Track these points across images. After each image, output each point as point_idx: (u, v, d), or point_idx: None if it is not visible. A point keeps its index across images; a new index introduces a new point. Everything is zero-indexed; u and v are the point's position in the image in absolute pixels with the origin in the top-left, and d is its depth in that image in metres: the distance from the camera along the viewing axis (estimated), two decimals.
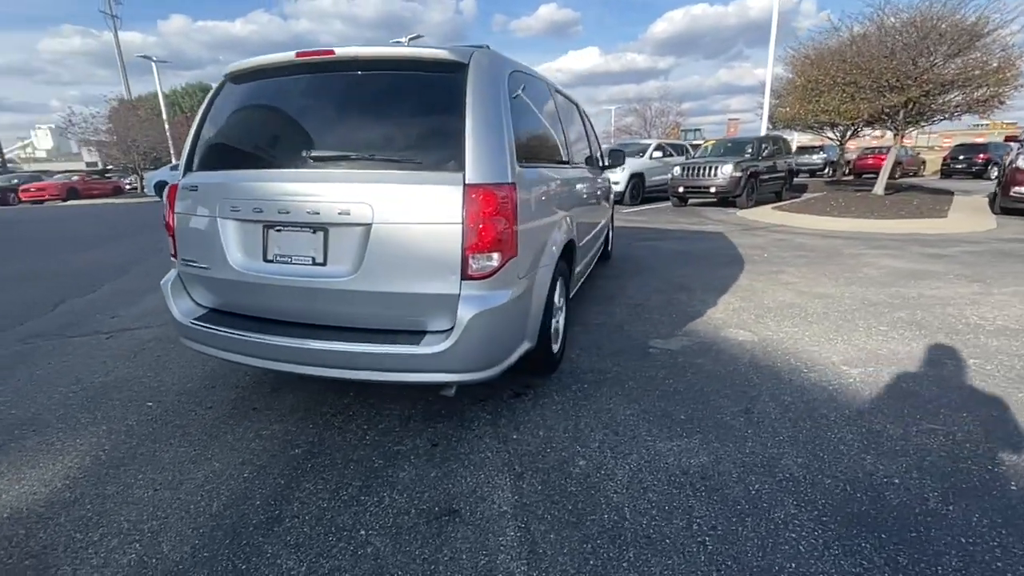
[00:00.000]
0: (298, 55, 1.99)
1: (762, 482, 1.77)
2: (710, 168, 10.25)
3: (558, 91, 3.12)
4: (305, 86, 2.06)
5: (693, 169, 10.56)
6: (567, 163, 2.88)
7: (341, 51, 1.94)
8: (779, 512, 1.62)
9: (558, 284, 2.63)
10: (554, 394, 2.45)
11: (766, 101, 15.16)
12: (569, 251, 2.82)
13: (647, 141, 13.93)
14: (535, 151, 2.41)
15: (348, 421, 2.22)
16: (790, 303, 3.85)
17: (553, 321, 2.63)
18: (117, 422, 2.25)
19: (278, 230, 1.95)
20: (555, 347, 2.69)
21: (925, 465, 1.85)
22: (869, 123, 12.06)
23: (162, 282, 2.25)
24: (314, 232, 1.90)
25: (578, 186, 3.10)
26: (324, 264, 1.90)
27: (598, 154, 4.57)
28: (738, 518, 1.60)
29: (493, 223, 1.81)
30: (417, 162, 1.86)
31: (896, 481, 1.76)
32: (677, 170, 10.94)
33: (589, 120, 4.54)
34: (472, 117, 1.83)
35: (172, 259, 2.25)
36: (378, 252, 1.82)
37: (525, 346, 2.20)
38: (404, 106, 1.96)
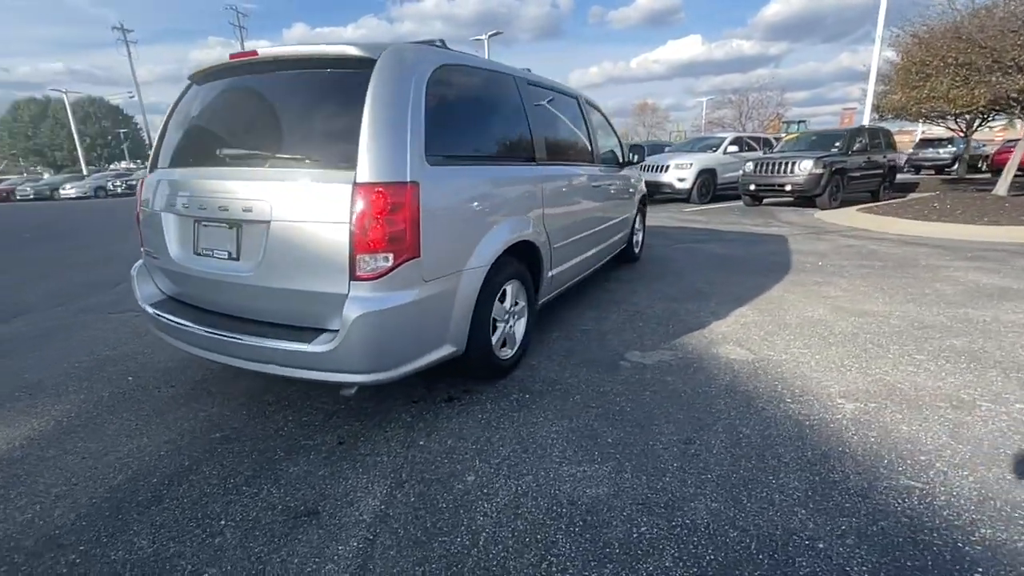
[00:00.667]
0: (231, 57, 2.08)
1: (652, 525, 1.55)
2: (786, 164, 9.26)
3: (537, 85, 2.96)
4: (237, 86, 2.14)
5: (767, 165, 9.61)
6: (537, 160, 2.73)
7: (264, 51, 1.99)
8: (649, 564, 1.41)
9: (509, 288, 2.52)
10: (488, 402, 2.35)
11: (870, 89, 13.33)
12: (530, 253, 2.68)
13: (723, 135, 12.93)
14: (476, 148, 2.32)
15: (279, 411, 2.30)
16: (817, 320, 3.36)
17: (503, 326, 2.53)
18: (95, 393, 2.52)
19: (204, 225, 2.05)
20: (506, 352, 2.59)
21: (871, 532, 1.51)
22: (987, 111, 10.16)
23: (132, 270, 2.48)
24: (230, 228, 1.97)
25: (556, 184, 2.93)
26: (237, 259, 1.97)
27: (615, 150, 4.30)
28: (597, 563, 1.41)
29: (384, 223, 1.75)
30: (315, 160, 1.86)
31: (820, 546, 1.45)
32: (749, 166, 10.01)
33: (604, 116, 4.29)
34: (369, 115, 1.78)
35: (141, 249, 2.47)
36: (276, 249, 1.85)
37: (447, 350, 2.13)
38: (312, 104, 1.96)
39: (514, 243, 2.46)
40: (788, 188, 9.24)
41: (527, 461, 1.89)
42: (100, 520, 1.62)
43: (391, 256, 1.79)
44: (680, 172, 11.12)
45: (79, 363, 2.89)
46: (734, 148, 11.82)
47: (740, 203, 10.85)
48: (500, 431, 2.10)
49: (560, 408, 2.29)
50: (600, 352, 2.92)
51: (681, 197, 11.36)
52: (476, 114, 2.38)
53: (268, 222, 1.84)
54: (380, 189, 1.75)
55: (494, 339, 2.45)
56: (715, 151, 11.83)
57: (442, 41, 2.46)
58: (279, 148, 1.93)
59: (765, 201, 10.76)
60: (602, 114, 4.29)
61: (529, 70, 3.36)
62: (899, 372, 2.58)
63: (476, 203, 2.18)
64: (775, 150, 11.03)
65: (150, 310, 2.27)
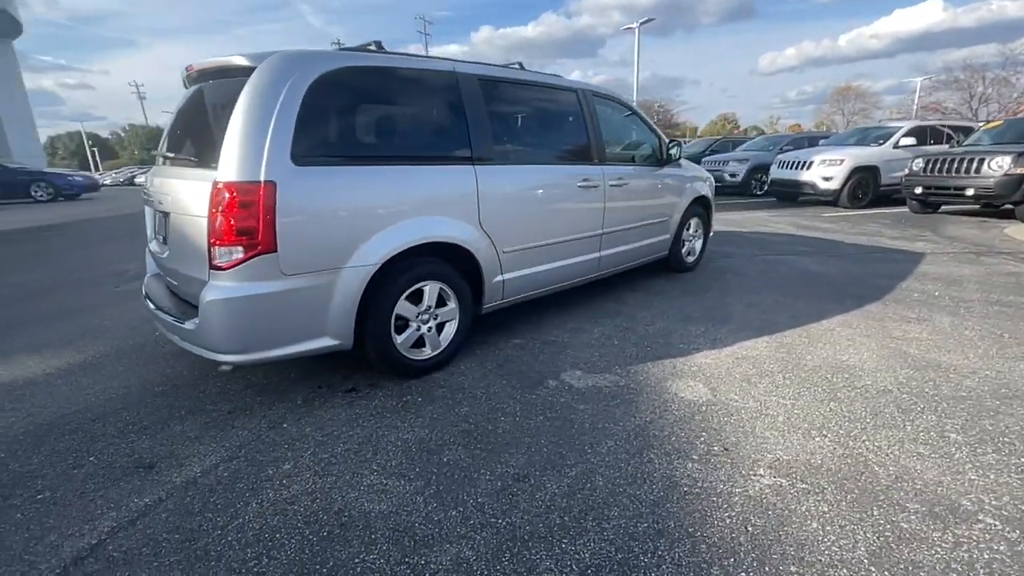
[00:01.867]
0: (186, 68, 2.43)
1: (386, 556, 1.44)
2: (971, 161, 7.08)
3: (495, 80, 2.80)
4: (185, 94, 2.49)
5: (944, 162, 7.48)
6: (476, 160, 2.61)
7: (196, 64, 2.29)
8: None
9: (427, 288, 2.50)
10: (380, 399, 2.38)
11: None
12: (460, 256, 2.60)
13: (897, 124, 10.41)
14: (372, 149, 2.33)
15: (221, 378, 2.64)
16: (848, 367, 2.62)
17: (416, 326, 2.52)
18: (88, 352, 3.12)
19: (157, 214, 2.47)
20: (424, 353, 2.58)
21: None
22: None
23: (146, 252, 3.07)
24: (164, 217, 2.34)
25: (506, 185, 2.77)
26: (166, 244, 2.33)
27: (652, 148, 3.85)
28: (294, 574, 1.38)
29: (234, 218, 1.91)
30: (199, 161, 2.08)
31: None
32: (918, 163, 7.90)
33: (634, 111, 3.86)
34: (235, 119, 1.95)
35: None
36: (173, 237, 2.14)
37: (327, 342, 2.22)
38: (210, 110, 2.19)
39: (427, 244, 2.42)
40: (970, 193, 7.08)
41: (348, 463, 1.89)
42: (31, 437, 2.10)
43: (242, 249, 1.94)
44: (826, 170, 9.33)
45: (96, 325, 3.63)
46: (910, 141, 9.43)
47: (907, 209, 8.68)
48: (358, 428, 2.13)
49: (435, 417, 2.21)
50: (539, 366, 2.71)
51: (826, 200, 9.55)
52: (377, 115, 2.39)
53: (169, 214, 2.14)
54: (232, 187, 1.90)
55: (400, 338, 2.47)
56: (882, 144, 9.61)
57: (378, 44, 2.52)
58: (183, 150, 2.22)
59: (943, 209, 8.44)
60: (631, 109, 3.87)
61: (519, 64, 3.22)
62: (897, 451, 1.90)
63: (361, 203, 2.21)
64: (965, 142, 8.49)
65: (143, 290, 2.80)
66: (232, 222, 1.91)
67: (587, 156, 3.29)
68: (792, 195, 10.38)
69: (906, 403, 2.25)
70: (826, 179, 9.35)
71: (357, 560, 1.44)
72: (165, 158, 2.42)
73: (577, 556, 1.44)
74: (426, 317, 2.57)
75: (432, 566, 1.41)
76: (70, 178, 16.21)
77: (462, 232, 2.56)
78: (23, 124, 23.67)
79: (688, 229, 4.51)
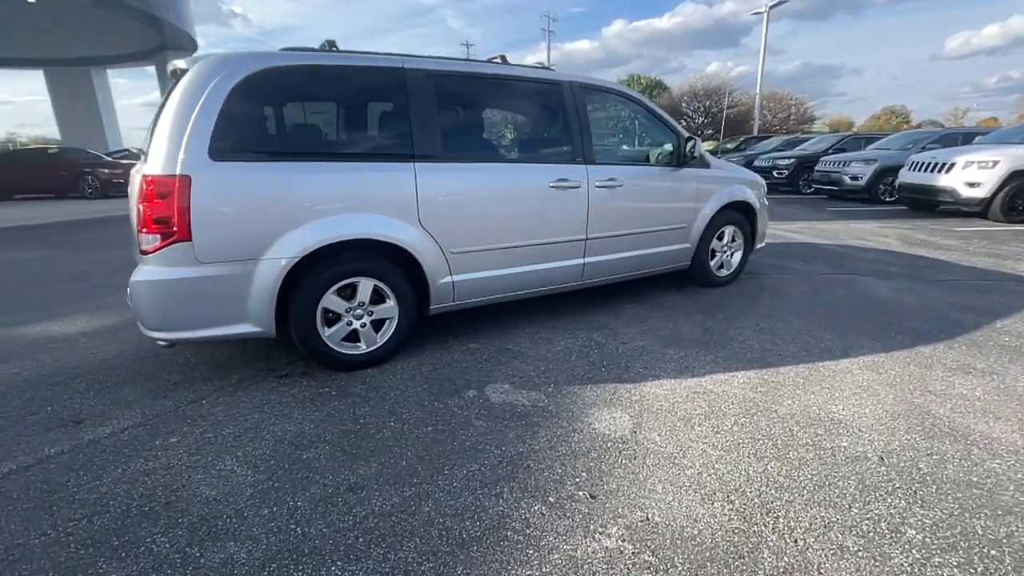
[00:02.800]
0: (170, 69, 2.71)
1: (177, 539, 1.48)
2: None
3: (447, 74, 2.68)
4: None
5: None
6: (417, 158, 2.53)
7: (170, 65, 2.54)
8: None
9: (361, 284, 2.51)
10: (298, 388, 2.45)
11: None
12: (398, 254, 2.57)
13: None
14: (299, 146, 2.38)
15: (205, 350, 2.94)
16: (824, 419, 2.11)
17: (348, 320, 2.56)
18: (112, 321, 3.65)
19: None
20: (358, 348, 2.62)
21: None
22: None
23: None
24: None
25: (452, 184, 2.66)
26: None
27: (668, 147, 3.44)
28: (88, 549, 1.48)
29: (151, 208, 2.09)
30: (145, 156, 2.30)
31: None
32: None
33: (646, 107, 3.48)
34: (164, 117, 2.13)
35: None
36: (131, 221, 2.41)
37: (247, 328, 2.35)
38: (165, 109, 2.39)
39: (356, 240, 2.43)
40: None
41: (221, 446, 1.98)
42: (27, 383, 2.53)
43: (160, 237, 2.12)
44: (973, 173, 7.56)
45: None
46: None
47: None
48: (258, 414, 2.21)
49: (332, 413, 2.22)
50: (472, 375, 2.58)
51: (972, 211, 7.77)
52: (304, 113, 2.42)
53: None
54: (152, 180, 2.08)
55: (329, 331, 2.52)
56: None
57: (331, 42, 2.58)
58: (145, 146, 2.47)
59: None
60: (641, 104, 3.48)
61: (502, 58, 3.07)
62: (813, 539, 1.48)
63: (278, 198, 2.27)
64: None
65: None
66: (151, 212, 2.09)
67: (566, 154, 3.04)
68: (927, 203, 8.63)
69: (876, 478, 1.74)
70: (971, 185, 7.59)
71: (148, 540, 1.50)
72: (141, 153, 2.74)
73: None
74: (360, 313, 2.58)
75: (201, 560, 1.42)
76: None
77: (396, 231, 2.52)
78: None
79: (721, 239, 3.97)
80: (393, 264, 2.59)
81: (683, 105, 27.17)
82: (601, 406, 2.26)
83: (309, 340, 2.47)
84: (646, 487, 1.72)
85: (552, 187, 2.95)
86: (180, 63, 2.26)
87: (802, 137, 15.86)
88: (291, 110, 2.44)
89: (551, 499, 1.66)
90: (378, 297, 2.62)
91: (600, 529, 1.53)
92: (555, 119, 3.05)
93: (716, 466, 1.82)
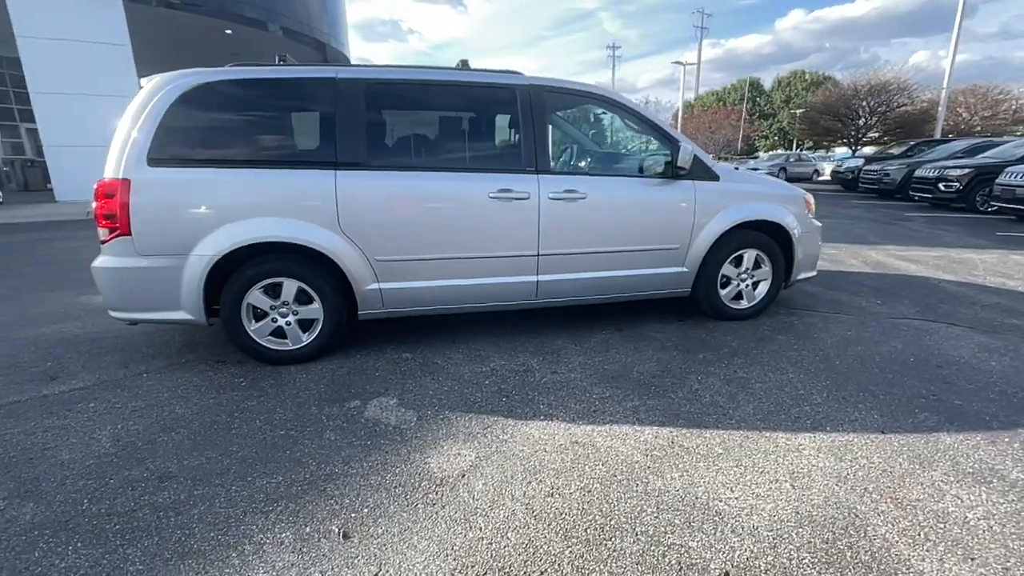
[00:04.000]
0: None
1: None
2: None
3: (389, 83, 2.65)
4: None
5: None
6: (340, 165, 2.58)
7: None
8: None
9: (285, 285, 2.65)
10: (221, 375, 2.67)
11: None
12: (321, 259, 2.64)
13: None
14: (227, 153, 2.56)
15: (188, 333, 3.38)
16: (698, 505, 1.66)
17: (273, 318, 2.71)
18: None
19: None
20: (283, 344, 2.77)
21: None
22: None
23: None
24: None
25: (373, 191, 2.65)
26: None
27: (658, 156, 3.03)
28: None
29: (100, 206, 2.45)
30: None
31: None
32: None
33: (631, 110, 3.06)
34: (118, 129, 2.48)
35: None
36: None
37: (183, 315, 2.63)
38: (120, 122, 2.71)
39: (272, 243, 2.57)
40: None
41: (109, 416, 2.24)
42: (51, 342, 3.16)
43: (108, 231, 2.48)
44: None
45: None
46: None
47: None
48: (167, 393, 2.46)
49: (219, 402, 2.37)
50: (372, 385, 2.55)
51: None
52: (234, 123, 2.57)
53: None
54: (102, 183, 2.45)
55: (255, 325, 2.70)
56: None
57: (282, 57, 2.75)
58: None
59: None
60: (627, 109, 3.05)
61: (463, 63, 2.98)
62: None
63: (205, 200, 2.49)
64: None
65: None
66: (101, 209, 2.46)
67: (514, 163, 2.82)
68: None
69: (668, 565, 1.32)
70: None
71: None
72: None
73: None
74: (285, 311, 2.73)
75: (3, 515, 1.64)
76: None
77: (313, 235, 2.60)
78: None
79: (738, 265, 3.34)
80: (317, 267, 2.68)
81: (852, 102, 23.15)
82: (459, 440, 2.06)
83: (235, 332, 2.68)
84: (410, 541, 1.53)
85: (493, 198, 2.76)
86: (142, 81, 2.61)
87: (996, 141, 12.49)
88: (225, 121, 2.64)
89: (307, 530, 1.57)
90: (306, 298, 2.73)
91: (318, 572, 1.40)
92: (504, 125, 2.85)
93: (507, 536, 1.55)
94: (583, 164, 3.09)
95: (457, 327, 3.32)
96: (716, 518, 1.61)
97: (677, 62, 34.43)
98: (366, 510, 1.66)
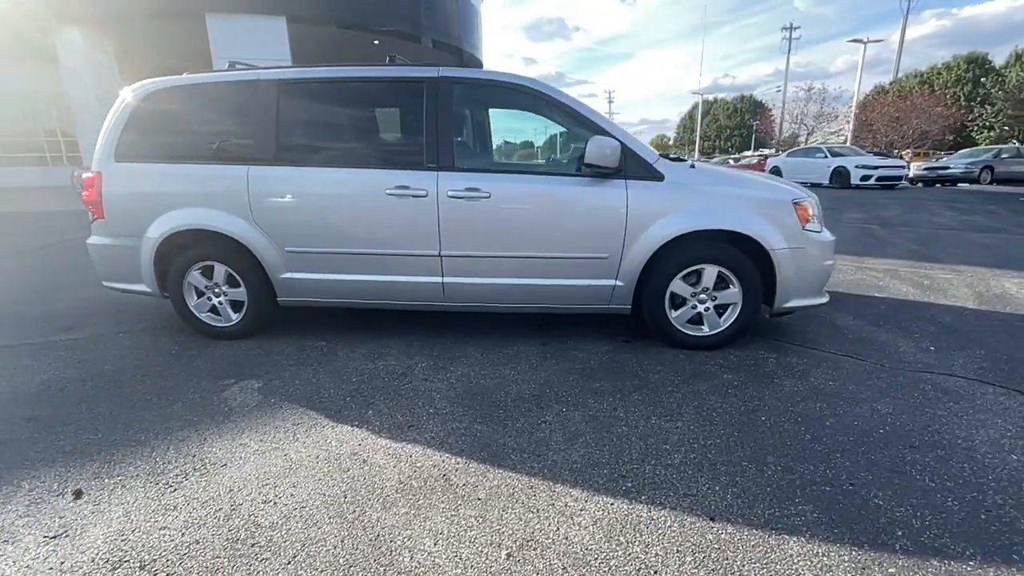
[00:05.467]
0: None
1: None
2: None
3: (318, 80, 2.74)
4: None
5: None
6: (252, 161, 2.79)
7: None
8: None
9: (216, 268, 2.99)
10: (148, 340, 3.10)
11: None
12: (239, 247, 2.90)
13: None
14: (168, 151, 2.92)
15: None
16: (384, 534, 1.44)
17: (213, 298, 3.08)
18: None
19: None
20: (217, 321, 3.12)
21: None
22: None
23: None
24: None
25: (277, 186, 2.82)
26: None
27: (588, 150, 2.67)
28: None
29: (86, 194, 3.00)
30: None
31: None
32: None
33: (554, 99, 2.71)
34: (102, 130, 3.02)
35: None
36: None
37: (144, 288, 3.11)
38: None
39: (199, 229, 2.89)
40: None
41: (6, 372, 2.76)
42: (93, 302, 3.98)
43: (91, 214, 3.04)
44: None
45: None
46: None
47: None
48: (82, 353, 2.95)
49: (113, 364, 2.77)
50: (264, 368, 2.72)
51: None
52: (176, 123, 2.89)
53: None
54: (86, 174, 3.01)
55: (195, 301, 3.08)
56: None
57: (232, 63, 3.04)
58: None
59: None
60: (555, 101, 2.69)
61: (391, 59, 2.97)
62: None
63: (151, 191, 2.90)
64: None
65: None
66: (85, 197, 3.02)
67: (415, 159, 2.71)
68: None
69: None
70: None
71: None
72: None
73: None
74: (217, 292, 3.05)
75: None
76: None
77: (232, 225, 2.86)
78: None
79: (696, 283, 2.76)
80: (237, 254, 2.94)
81: None
82: (259, 432, 2.10)
83: (180, 306, 3.08)
84: (140, 511, 1.62)
85: (390, 195, 2.71)
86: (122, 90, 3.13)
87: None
88: (171, 121, 3.00)
89: (55, 489, 1.77)
90: (235, 281, 3.02)
91: (56, 519, 1.58)
92: (408, 121, 2.76)
93: (200, 531, 1.55)
94: (492, 161, 2.84)
95: (392, 323, 3.33)
96: (392, 571, 1.39)
97: (856, 40, 28.70)
98: (117, 479, 1.80)
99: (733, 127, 66.70)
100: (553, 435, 2.04)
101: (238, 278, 2.98)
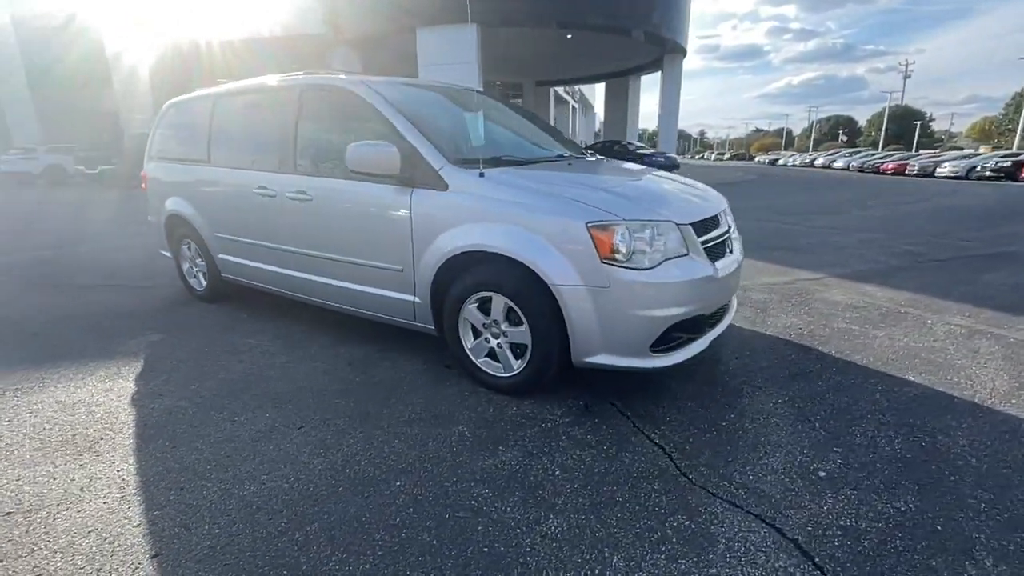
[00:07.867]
0: None
1: None
2: None
3: (242, 91, 3.31)
4: None
5: None
6: (205, 162, 3.49)
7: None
8: None
9: (190, 242, 3.89)
10: (157, 299, 4.14)
11: None
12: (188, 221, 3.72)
13: None
14: (179, 152, 3.82)
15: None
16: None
17: (193, 268, 4.01)
18: None
19: None
20: (198, 286, 4.06)
21: None
22: None
23: None
24: None
25: (203, 183, 3.56)
26: None
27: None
28: None
29: (143, 184, 4.23)
30: None
31: None
32: None
33: (367, 101, 2.59)
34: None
35: None
36: None
37: (167, 253, 4.24)
38: None
39: (175, 213, 3.79)
40: None
41: None
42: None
43: (147, 200, 4.27)
44: None
45: None
46: None
47: None
48: (109, 303, 4.11)
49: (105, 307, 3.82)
50: (185, 326, 3.44)
51: None
52: (176, 131, 3.76)
53: None
54: (143, 172, 4.22)
55: (185, 267, 4.06)
56: None
57: (220, 82, 3.82)
58: None
59: None
60: (367, 104, 2.59)
61: (334, 65, 3.30)
62: None
63: (164, 182, 3.92)
64: None
65: None
66: (144, 186, 4.25)
67: (273, 161, 3.05)
68: None
69: None
70: None
71: None
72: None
73: None
74: (193, 262, 3.96)
75: None
76: (654, 157, 18.98)
77: (183, 208, 3.72)
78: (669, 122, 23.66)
79: (487, 312, 2.34)
80: (198, 234, 3.75)
81: None
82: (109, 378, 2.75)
83: (179, 269, 4.10)
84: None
85: (256, 193, 3.09)
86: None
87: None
88: (177, 129, 3.90)
89: None
90: (198, 256, 3.87)
91: None
92: (278, 126, 3.06)
93: None
94: (321, 165, 2.88)
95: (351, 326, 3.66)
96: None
97: None
98: None
99: None
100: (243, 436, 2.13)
101: (201, 253, 3.81)
